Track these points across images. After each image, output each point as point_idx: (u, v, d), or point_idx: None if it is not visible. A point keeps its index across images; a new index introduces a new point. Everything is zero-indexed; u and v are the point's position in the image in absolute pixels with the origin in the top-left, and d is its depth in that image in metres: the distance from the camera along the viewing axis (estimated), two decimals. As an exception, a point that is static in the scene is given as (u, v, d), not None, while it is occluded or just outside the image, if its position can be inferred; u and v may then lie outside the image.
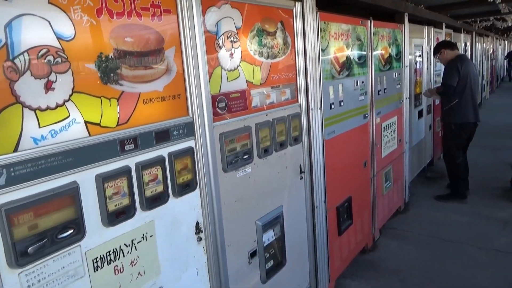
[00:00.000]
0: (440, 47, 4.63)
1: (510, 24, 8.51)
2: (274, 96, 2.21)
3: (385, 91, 3.74)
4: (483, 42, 11.26)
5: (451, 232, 3.86)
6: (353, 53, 3.08)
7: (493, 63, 14.31)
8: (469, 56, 8.69)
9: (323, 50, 2.64)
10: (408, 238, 3.81)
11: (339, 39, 2.85)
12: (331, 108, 2.78)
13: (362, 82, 3.26)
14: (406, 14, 4.18)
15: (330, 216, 2.85)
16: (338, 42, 2.84)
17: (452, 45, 4.63)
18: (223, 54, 1.82)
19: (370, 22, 3.31)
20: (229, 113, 1.87)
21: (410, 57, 4.56)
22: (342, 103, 2.94)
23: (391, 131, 3.97)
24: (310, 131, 2.49)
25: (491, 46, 13.93)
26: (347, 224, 3.12)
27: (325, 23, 2.65)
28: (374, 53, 3.44)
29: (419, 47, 4.92)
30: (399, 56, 4.04)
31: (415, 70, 4.84)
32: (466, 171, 4.68)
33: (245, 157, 1.94)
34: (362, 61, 3.24)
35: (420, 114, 5.07)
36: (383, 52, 3.66)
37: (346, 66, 2.98)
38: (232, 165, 1.87)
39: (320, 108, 2.59)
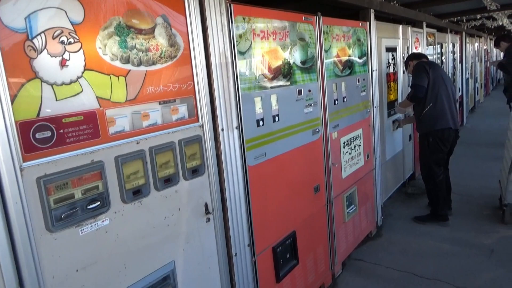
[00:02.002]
0: (407, 61, 4.11)
1: (501, 23, 7.95)
2: (158, 116, 1.64)
3: (345, 100, 3.17)
4: (475, 43, 10.71)
5: (426, 264, 3.27)
6: (294, 56, 2.52)
7: (487, 65, 13.76)
8: (458, 58, 8.14)
9: (242, 53, 2.07)
10: (375, 274, 3.22)
11: (269, 39, 2.28)
12: (258, 125, 2.21)
13: (309, 91, 2.69)
14: (372, 10, 3.62)
15: (262, 261, 2.27)
16: (267, 43, 2.27)
17: (419, 56, 4.09)
18: (44, 61, 1.25)
19: (318, 18, 2.75)
20: (59, 146, 1.29)
21: (380, 59, 4.00)
22: (277, 118, 2.37)
23: (355, 146, 3.40)
24: (220, 158, 1.92)
25: (485, 47, 13.40)
26: (290, 265, 2.54)
27: (245, 18, 2.08)
28: (326, 55, 2.88)
29: (393, 48, 4.36)
30: (363, 59, 3.48)
31: (388, 74, 4.27)
32: (447, 189, 4.10)
33: (92, 206, 1.36)
34: (308, 65, 2.67)
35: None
36: (340, 54, 3.09)
37: (283, 72, 2.41)
38: (64, 221, 1.29)
39: (237, 128, 2.02)
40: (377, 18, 3.92)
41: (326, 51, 2.88)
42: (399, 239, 3.77)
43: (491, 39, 14.52)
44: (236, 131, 2.00)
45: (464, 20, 7.27)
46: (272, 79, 2.32)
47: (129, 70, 1.51)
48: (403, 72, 4.29)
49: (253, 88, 2.16)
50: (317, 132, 2.80)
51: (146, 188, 1.55)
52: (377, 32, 3.76)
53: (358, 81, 3.39)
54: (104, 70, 1.42)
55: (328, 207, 2.99)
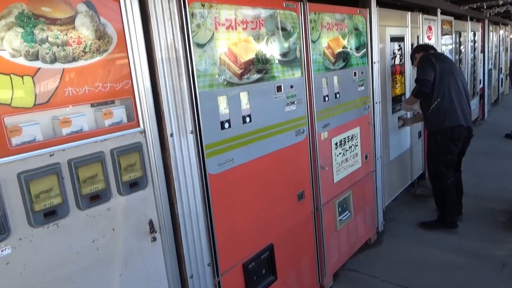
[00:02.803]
0: (413, 53, 3.71)
1: (527, 9, 7.34)
2: (83, 122, 1.39)
3: (338, 95, 2.85)
4: (499, 31, 10.03)
5: (429, 279, 2.95)
6: (272, 48, 2.22)
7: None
8: (479, 48, 7.59)
9: (201, 46, 1.79)
10: (369, 288, 2.93)
11: (238, 29, 1.99)
12: (223, 128, 1.93)
13: (291, 87, 2.39)
14: (373, -5, 3.26)
15: (229, 280, 2.02)
16: (235, 33, 1.98)
17: (426, 48, 3.69)
18: None
19: (303, 4, 2.43)
20: None
21: (384, 50, 3.64)
22: (249, 119, 2.09)
23: (351, 147, 3.08)
24: (169, 167, 1.66)
25: (511, 36, 12.60)
26: (266, 282, 2.29)
27: (204, 5, 1.80)
28: (313, 46, 2.56)
29: (400, 38, 3.97)
30: (362, 50, 3.14)
31: (394, 66, 3.90)
32: (459, 193, 3.73)
33: (-18, 233, 1.13)
34: (291, 58, 2.37)
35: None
36: (332, 45, 2.77)
37: (257, 66, 2.12)
38: None
39: (193, 132, 1.75)
40: (382, 4, 3.56)
41: (313, 42, 2.57)
42: (401, 247, 3.44)
43: (518, 27, 13.67)
44: (191, 136, 1.74)
45: (485, 7, 6.71)
46: (242, 74, 2.03)
47: (39, 69, 1.26)
48: (411, 64, 3.90)
49: (216, 86, 1.89)
50: (301, 132, 2.51)
51: (64, 207, 1.31)
52: (379, 20, 3.40)
53: (355, 75, 3.06)
54: (1, 69, 1.17)
55: (316, 215, 2.70)
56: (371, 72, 3.30)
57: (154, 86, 1.58)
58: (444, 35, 5.40)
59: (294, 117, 2.44)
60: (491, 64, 8.93)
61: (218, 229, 1.92)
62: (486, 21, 8.13)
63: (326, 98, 2.73)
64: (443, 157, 3.48)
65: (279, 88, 2.28)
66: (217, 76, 1.89)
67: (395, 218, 3.99)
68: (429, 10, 5.02)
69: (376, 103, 3.41)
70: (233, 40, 1.97)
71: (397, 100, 3.99)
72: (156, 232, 1.62)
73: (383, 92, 3.65)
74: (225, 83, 1.94)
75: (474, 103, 7.39)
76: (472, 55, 6.99)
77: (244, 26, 2.03)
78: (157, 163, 1.59)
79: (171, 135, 1.64)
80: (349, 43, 2.97)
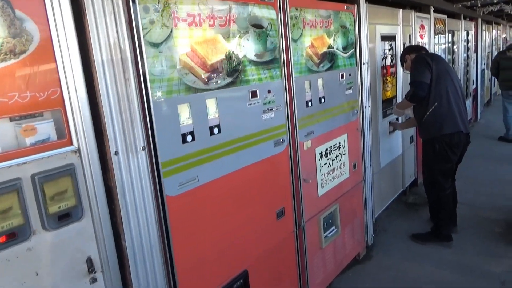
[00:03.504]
0: (404, 55, 3.44)
1: (521, 8, 7.16)
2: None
3: (322, 100, 2.59)
4: (493, 31, 9.87)
5: (421, 300, 2.71)
6: (246, 48, 1.95)
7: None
8: (473, 48, 7.38)
9: (156, 45, 1.51)
10: (357, 311, 2.67)
11: (203, 26, 1.71)
12: (185, 141, 1.66)
13: (269, 91, 2.12)
14: (362, -10, 3.00)
15: (194, 317, 1.75)
16: (199, 31, 1.70)
17: (418, 49, 3.41)
18: None
19: (281, -1, 2.16)
20: None
21: (373, 50, 3.38)
22: (217, 130, 1.81)
23: (338, 156, 2.82)
24: (113, 192, 1.38)
25: (504, 35, 12.48)
26: (239, 314, 2.01)
27: (159, -3, 1.52)
28: (295, 46, 2.29)
29: (391, 37, 3.72)
30: (349, 49, 2.88)
31: (385, 67, 3.65)
32: (453, 203, 3.49)
33: None
34: (268, 59, 2.09)
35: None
36: (316, 44, 2.50)
37: (227, 68, 1.85)
38: None
39: (144, 148, 1.47)
40: (372, 0, 3.30)
41: (294, 41, 2.30)
42: (391, 262, 3.19)
43: (511, 27, 13.57)
44: (143, 153, 1.46)
45: (479, 5, 6.50)
46: (209, 79, 1.76)
47: None
48: (401, 66, 3.65)
49: (176, 92, 1.61)
50: (281, 142, 2.23)
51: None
52: (369, 18, 3.14)
53: (342, 77, 2.80)
54: None
55: (298, 233, 2.44)
56: (360, 74, 3.04)
57: (92, 94, 1.30)
58: (438, 34, 5.17)
59: (273, 126, 2.17)
60: (484, 64, 8.75)
61: (180, 259, 1.65)
62: (480, 20, 7.94)
63: (310, 103, 2.46)
64: (441, 166, 3.23)
65: (254, 94, 2.01)
66: (177, 80, 1.61)
67: (386, 229, 3.74)
68: (421, 8, 4.79)
69: (365, 107, 3.15)
70: (197, 39, 1.69)
71: (388, 103, 3.74)
72: (96, 271, 1.33)
73: (373, 95, 3.40)
74: (187, 88, 1.66)
75: (468, 104, 7.18)
76: (465, 55, 6.78)
77: (211, 22, 1.75)
78: (96, 188, 1.31)
79: (116, 153, 1.36)
80: (336, 42, 2.71)
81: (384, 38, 3.54)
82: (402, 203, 4.30)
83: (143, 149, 1.45)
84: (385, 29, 3.55)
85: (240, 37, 1.91)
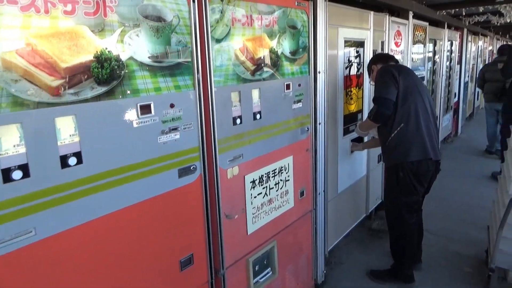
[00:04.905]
0: (370, 64, 2.97)
1: (508, 20, 6.78)
2: None
3: (259, 116, 2.09)
4: (479, 42, 9.53)
5: None
6: (132, 47, 1.43)
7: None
8: (456, 59, 7.00)
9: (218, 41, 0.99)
10: None
11: (52, 13, 1.20)
12: (10, 179, 1.13)
13: (172, 105, 1.61)
14: (320, -14, 2.51)
15: None
16: (46, 20, 1.18)
17: (386, 58, 2.92)
18: None
19: (196, -15, 1.65)
20: None
21: (334, 57, 2.90)
22: (77, 160, 1.29)
23: (279, 183, 2.33)
24: None
25: (490, 47, 12.20)
26: None
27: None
28: (218, 48, 1.79)
29: (358, 42, 3.25)
30: (300, 55, 2.39)
31: (349, 77, 3.17)
32: (419, 238, 3.03)
33: None
34: (172, 62, 1.59)
35: (359, 141, 3.38)
36: (252, 46, 2.00)
37: (97, 74, 1.33)
38: None
39: None
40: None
41: (218, 41, 1.80)
42: (342, 307, 2.73)
43: (498, 39, 13.32)
44: None
45: (464, 13, 6.11)
46: (64, 88, 1.24)
47: None
48: (369, 77, 3.17)
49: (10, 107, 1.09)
50: (190, 171, 1.73)
51: None
52: (330, 18, 2.66)
53: (288, 87, 2.31)
54: None
55: (214, 283, 1.94)
56: (314, 84, 2.56)
57: None
58: (417, 42, 4.74)
59: (178, 150, 1.66)
60: (468, 76, 8.40)
61: None
62: (465, 30, 7.56)
63: (238, 120, 1.96)
64: (406, 199, 2.74)
65: (144, 109, 1.50)
66: (3, 92, 1.09)
67: (342, 262, 3.27)
68: (400, 13, 4.34)
69: (319, 124, 2.67)
70: (44, 32, 1.17)
71: (351, 118, 3.26)
72: None
73: (332, 109, 2.92)
74: (21, 102, 1.14)
75: (447, 118, 6.81)
76: (446, 65, 6.38)
77: (71, 7, 1.23)
78: None
79: None
80: (281, 45, 2.21)
81: (349, 43, 3.06)
82: (366, 229, 3.84)
83: None
84: (351, 33, 3.07)
85: (123, 32, 1.39)
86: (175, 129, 1.63)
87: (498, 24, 7.86)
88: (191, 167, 1.73)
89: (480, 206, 4.16)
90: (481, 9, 5.83)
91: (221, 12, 1.80)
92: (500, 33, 12.37)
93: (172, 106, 1.61)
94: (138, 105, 1.47)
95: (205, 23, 1.71)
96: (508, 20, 6.72)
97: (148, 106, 1.51)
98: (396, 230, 2.89)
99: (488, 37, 11.26)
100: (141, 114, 1.49)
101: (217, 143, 1.84)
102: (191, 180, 1.74)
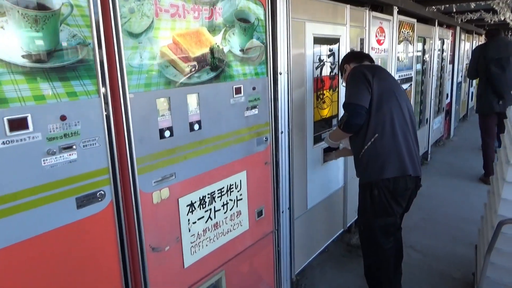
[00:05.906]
0: (343, 63, 2.60)
1: (502, 18, 6.44)
2: None
3: (197, 126, 1.74)
4: (472, 41, 9.21)
5: None
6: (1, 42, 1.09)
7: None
8: (448, 58, 6.66)
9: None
10: None
11: None
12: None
13: (63, 118, 1.26)
14: (279, -27, 2.16)
15: None
16: None
17: (360, 57, 2.56)
18: None
19: (96, -36, 1.30)
20: None
21: (301, 56, 2.55)
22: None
23: (228, 204, 1.98)
24: None
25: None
26: None
27: None
28: (134, 44, 1.44)
29: (331, 39, 2.90)
30: (254, 53, 2.04)
31: (320, 79, 2.82)
32: (398, 260, 2.67)
33: None
34: (63, 62, 1.23)
35: (331, 151, 3.02)
36: (186, 43, 1.65)
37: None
38: None
39: None
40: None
41: (134, 36, 1.44)
42: None
43: (493, 37, 12.99)
44: None
45: (454, 10, 5.77)
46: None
47: None
48: (341, 77, 2.82)
49: None
50: (95, 199, 1.38)
51: None
52: (295, 11, 2.32)
53: (239, 92, 1.96)
54: None
55: (137, 331, 1.59)
56: (273, 88, 2.21)
57: None
58: (403, 40, 4.39)
59: (74, 174, 1.31)
60: (461, 76, 8.07)
61: None
62: (458, 28, 7.23)
63: (168, 133, 1.61)
64: (381, 221, 2.37)
65: (19, 124, 1.14)
66: None
67: (314, 284, 2.93)
68: (383, 8, 3.99)
69: (281, 132, 2.32)
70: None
71: (324, 124, 2.92)
72: None
73: (299, 115, 2.57)
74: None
75: (439, 120, 6.48)
76: (437, 65, 6.04)
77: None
78: None
79: None
80: (228, 42, 1.86)
81: (320, 40, 2.71)
82: (344, 245, 3.50)
83: None
84: (322, 29, 2.72)
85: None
86: (69, 147, 1.28)
87: (492, 22, 7.52)
88: (97, 194, 1.38)
89: (471, 220, 3.82)
90: (472, 5, 5.47)
91: (138, 0, 1.45)
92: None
93: (63, 118, 1.26)
94: (6, 119, 1.12)
95: (112, 12, 1.36)
96: (502, 18, 6.36)
97: (23, 120, 1.15)
98: (369, 258, 2.53)
99: (483, 36, 10.94)
100: (10, 131, 1.13)
101: (135, 161, 1.49)
102: (97, 209, 1.39)
